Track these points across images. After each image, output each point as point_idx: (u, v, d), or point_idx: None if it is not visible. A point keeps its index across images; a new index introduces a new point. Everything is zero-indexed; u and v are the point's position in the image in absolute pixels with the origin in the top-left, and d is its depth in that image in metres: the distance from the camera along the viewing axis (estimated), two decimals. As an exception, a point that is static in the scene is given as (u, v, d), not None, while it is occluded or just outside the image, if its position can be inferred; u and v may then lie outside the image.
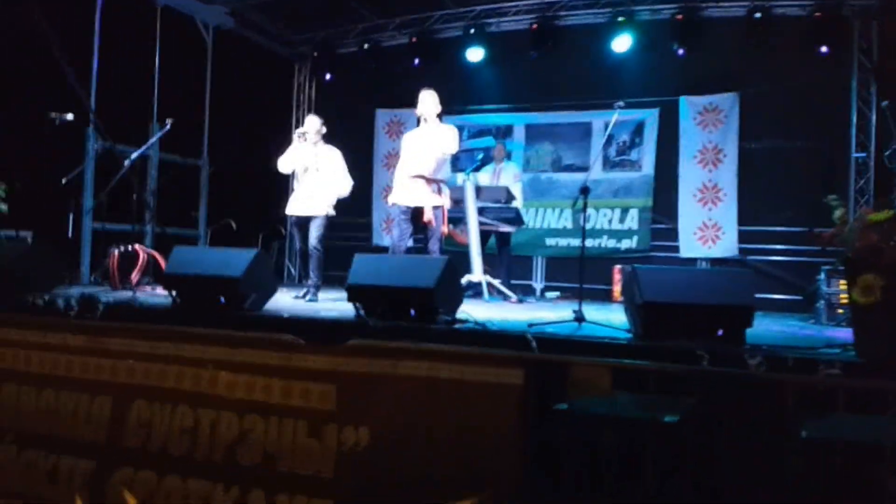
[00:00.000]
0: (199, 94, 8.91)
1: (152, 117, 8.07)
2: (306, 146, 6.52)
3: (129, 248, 6.25)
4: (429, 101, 6.22)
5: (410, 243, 6.47)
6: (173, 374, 3.67)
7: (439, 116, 6.30)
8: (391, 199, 6.50)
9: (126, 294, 5.48)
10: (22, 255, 5.43)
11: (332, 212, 6.51)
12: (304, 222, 6.51)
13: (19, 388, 4.06)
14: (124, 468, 3.65)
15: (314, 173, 6.46)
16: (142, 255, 6.26)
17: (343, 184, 6.58)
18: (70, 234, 6.78)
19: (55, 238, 6.54)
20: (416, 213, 6.16)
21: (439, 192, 6.21)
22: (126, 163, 6.49)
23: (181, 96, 8.44)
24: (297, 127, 8.84)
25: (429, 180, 6.14)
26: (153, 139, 7.36)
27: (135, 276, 6.15)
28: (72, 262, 6.85)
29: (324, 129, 6.60)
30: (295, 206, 6.55)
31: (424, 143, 6.19)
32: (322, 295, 6.40)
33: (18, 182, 5.74)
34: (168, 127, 6.72)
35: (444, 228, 6.29)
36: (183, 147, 8.38)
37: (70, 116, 6.21)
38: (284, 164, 6.57)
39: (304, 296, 6.32)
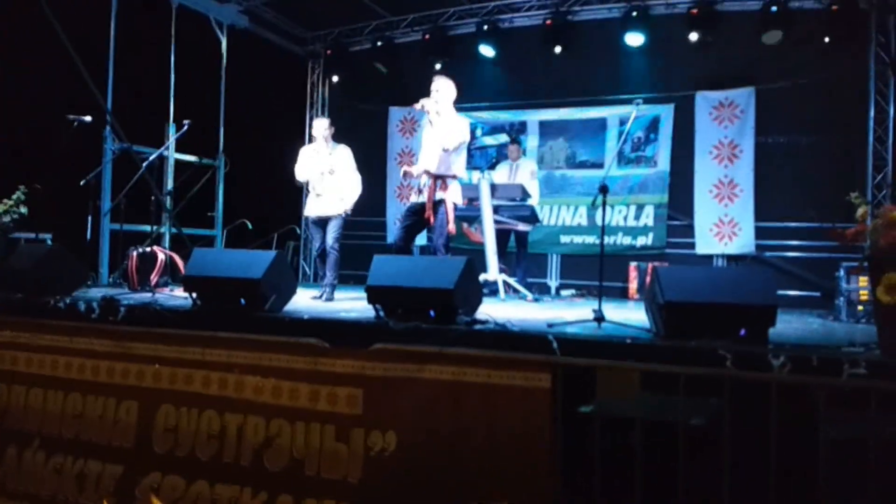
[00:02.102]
0: (213, 94, 8.93)
1: (168, 118, 8.10)
2: (318, 149, 6.61)
3: (148, 249, 6.28)
4: (437, 90, 5.97)
5: (421, 241, 6.36)
6: (199, 379, 3.68)
7: (455, 106, 6.06)
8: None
9: (146, 296, 5.49)
10: (42, 257, 5.44)
11: (348, 211, 6.57)
12: (321, 222, 6.57)
13: (45, 392, 4.10)
14: (152, 473, 3.68)
15: (328, 174, 6.53)
16: (160, 257, 6.30)
17: (353, 182, 6.62)
18: (88, 236, 6.80)
19: (74, 240, 6.56)
20: (419, 210, 6.03)
21: (444, 187, 6.00)
22: (143, 164, 6.52)
23: (196, 96, 8.46)
24: (310, 125, 8.91)
25: (433, 176, 5.99)
26: (171, 140, 7.39)
27: (154, 278, 6.18)
28: (90, 264, 6.89)
29: (332, 130, 6.67)
30: (312, 207, 6.62)
31: (430, 138, 6.09)
32: (338, 294, 6.45)
33: (38, 185, 5.76)
34: (185, 128, 6.74)
35: (451, 226, 6.03)
36: (198, 147, 8.40)
37: (88, 118, 6.22)
38: (300, 173, 6.67)
39: (320, 296, 6.36)
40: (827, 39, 7.49)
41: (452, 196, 6.06)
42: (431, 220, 5.93)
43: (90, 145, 7.02)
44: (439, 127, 5.95)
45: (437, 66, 8.94)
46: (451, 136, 5.88)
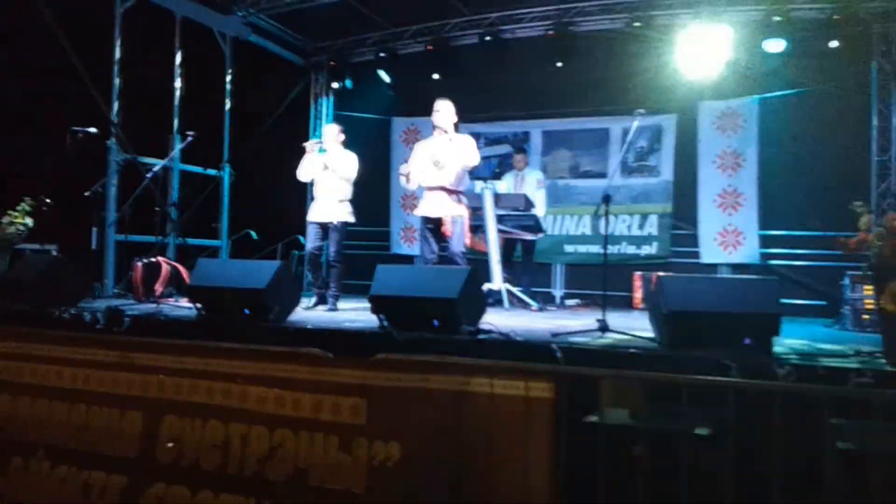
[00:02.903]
0: (218, 105, 8.97)
1: (173, 129, 8.13)
2: (323, 153, 6.57)
3: (153, 260, 6.30)
4: (445, 111, 6.19)
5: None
6: (203, 389, 3.68)
7: (456, 126, 6.26)
8: (417, 212, 6.53)
9: (150, 306, 5.51)
10: (47, 268, 5.46)
11: (351, 218, 6.55)
12: (322, 227, 6.53)
13: (50, 403, 4.10)
14: (157, 483, 3.67)
15: (331, 180, 6.50)
16: (165, 268, 6.31)
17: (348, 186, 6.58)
18: (94, 247, 6.82)
19: (79, 251, 6.58)
20: (437, 225, 6.19)
21: (459, 202, 6.23)
22: (148, 175, 6.55)
23: (201, 107, 8.50)
24: (314, 136, 8.93)
25: (449, 191, 6.17)
26: (175, 151, 7.42)
27: (158, 289, 6.20)
28: (95, 275, 6.90)
29: (342, 136, 6.66)
30: (315, 213, 6.58)
31: (443, 155, 6.17)
32: (342, 304, 6.45)
33: (45, 198, 5.78)
34: (190, 139, 6.77)
35: (467, 239, 6.28)
36: (203, 158, 8.42)
37: (93, 130, 6.26)
38: (302, 174, 6.64)
39: (313, 305, 6.38)
40: (831, 45, 7.49)
41: (465, 209, 6.33)
42: (449, 233, 6.12)
43: (95, 157, 7.04)
44: (456, 146, 6.16)
45: (435, 77, 8.98)
46: (473, 155, 6.18)
